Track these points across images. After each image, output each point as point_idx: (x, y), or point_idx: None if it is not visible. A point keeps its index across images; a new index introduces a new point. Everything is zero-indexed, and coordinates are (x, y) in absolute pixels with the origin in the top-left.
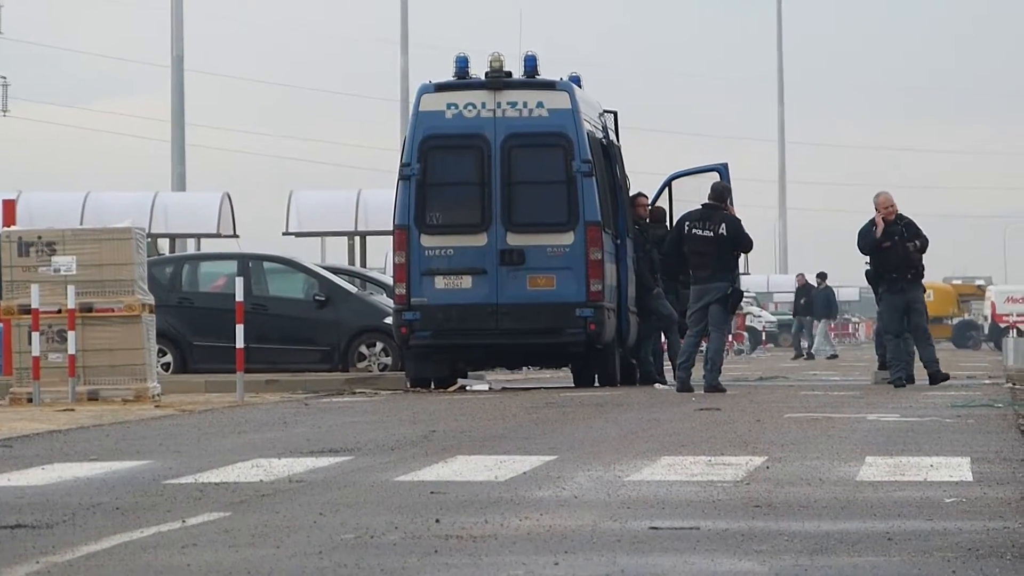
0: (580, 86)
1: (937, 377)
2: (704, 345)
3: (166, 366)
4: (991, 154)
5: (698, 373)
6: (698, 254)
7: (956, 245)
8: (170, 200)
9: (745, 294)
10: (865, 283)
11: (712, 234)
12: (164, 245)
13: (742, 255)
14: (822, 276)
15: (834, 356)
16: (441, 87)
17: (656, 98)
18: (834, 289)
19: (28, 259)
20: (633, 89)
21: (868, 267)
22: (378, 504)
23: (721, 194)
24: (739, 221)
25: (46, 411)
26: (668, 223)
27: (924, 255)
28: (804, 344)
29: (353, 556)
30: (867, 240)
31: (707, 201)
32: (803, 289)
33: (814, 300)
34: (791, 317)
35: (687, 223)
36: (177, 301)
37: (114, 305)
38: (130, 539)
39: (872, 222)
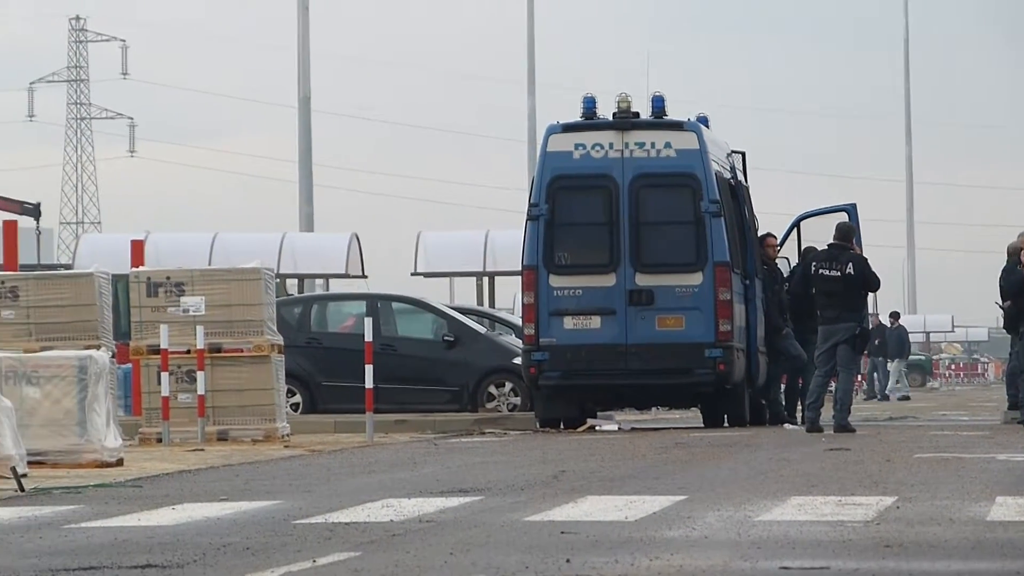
0: (708, 126)
1: None
2: (833, 385)
3: (295, 406)
4: None
5: (827, 413)
6: (825, 294)
7: None
8: (298, 240)
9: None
10: (993, 323)
11: (839, 274)
12: (292, 286)
13: (870, 295)
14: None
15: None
16: (569, 128)
17: (784, 138)
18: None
19: (157, 299)
20: (760, 129)
21: (1006, 307)
22: (508, 544)
23: (847, 234)
24: (866, 260)
25: (176, 451)
26: None
27: None
28: (877, 386)
29: None
30: (1012, 279)
31: (833, 241)
32: (877, 330)
33: (888, 340)
34: (917, 357)
35: (814, 263)
36: (306, 341)
37: (243, 345)
38: None
39: (1017, 262)
